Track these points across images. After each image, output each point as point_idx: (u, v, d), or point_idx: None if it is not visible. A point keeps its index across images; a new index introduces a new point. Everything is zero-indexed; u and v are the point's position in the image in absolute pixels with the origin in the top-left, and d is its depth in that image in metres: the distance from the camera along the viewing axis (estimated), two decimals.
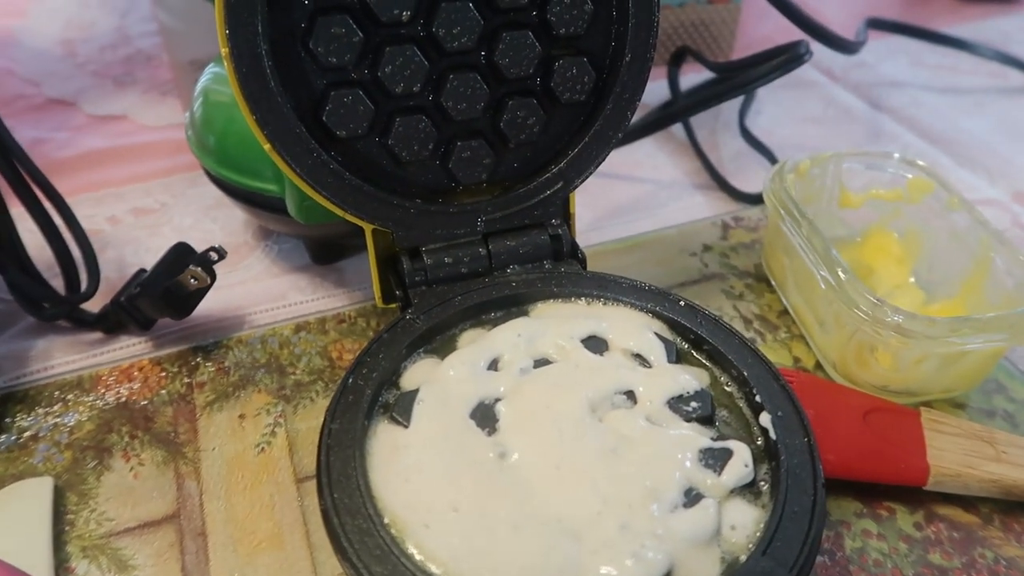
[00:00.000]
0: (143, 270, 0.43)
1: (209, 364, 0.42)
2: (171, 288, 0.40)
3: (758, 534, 0.28)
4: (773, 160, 0.58)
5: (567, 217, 0.39)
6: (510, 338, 0.34)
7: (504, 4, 0.34)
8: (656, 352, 0.33)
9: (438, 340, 0.35)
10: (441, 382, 0.32)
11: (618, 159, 0.59)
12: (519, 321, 0.35)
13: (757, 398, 0.31)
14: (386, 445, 0.30)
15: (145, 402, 0.40)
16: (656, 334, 0.34)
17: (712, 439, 0.30)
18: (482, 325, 0.36)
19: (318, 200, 0.35)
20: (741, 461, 0.29)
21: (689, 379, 0.32)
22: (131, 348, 0.43)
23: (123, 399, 0.40)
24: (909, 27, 0.71)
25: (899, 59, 0.74)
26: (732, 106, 0.63)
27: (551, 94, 0.37)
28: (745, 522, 0.28)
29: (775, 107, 0.66)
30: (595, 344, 0.34)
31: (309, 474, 0.37)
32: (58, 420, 0.39)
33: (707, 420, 0.31)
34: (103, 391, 0.41)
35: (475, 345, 0.34)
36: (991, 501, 0.36)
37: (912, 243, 0.45)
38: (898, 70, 0.72)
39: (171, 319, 0.42)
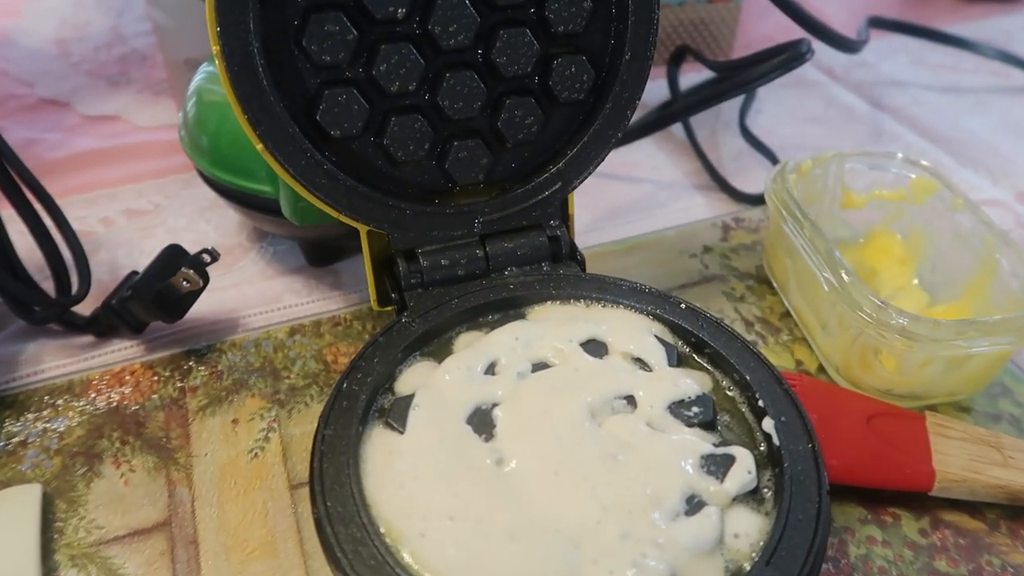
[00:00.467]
0: (135, 272, 0.43)
1: (202, 368, 0.41)
2: (163, 291, 0.39)
3: (762, 542, 0.27)
4: (774, 160, 0.57)
5: (566, 218, 0.39)
6: (508, 341, 0.33)
7: (501, 1, 0.34)
8: (657, 356, 0.33)
9: (434, 343, 0.35)
10: (437, 387, 0.31)
11: (617, 159, 0.58)
12: (517, 324, 0.34)
13: (760, 403, 0.31)
14: (381, 451, 0.29)
15: (136, 407, 0.39)
16: (657, 337, 0.34)
17: (714, 445, 0.30)
18: (479, 328, 0.35)
19: (312, 201, 0.35)
20: (744, 467, 0.29)
21: (690, 383, 0.32)
22: (122, 352, 0.42)
23: (114, 404, 0.39)
24: (911, 26, 0.70)
25: (900, 58, 0.74)
26: (732, 106, 0.63)
27: (549, 93, 0.36)
28: (748, 530, 0.27)
29: (776, 107, 0.66)
30: (594, 348, 0.33)
31: (303, 480, 0.36)
32: (47, 425, 0.38)
33: (709, 425, 0.31)
34: (94, 396, 0.40)
35: (472, 349, 0.33)
36: (998, 507, 0.35)
37: (915, 244, 0.45)
38: (899, 69, 0.72)
39: (163, 322, 0.41)
